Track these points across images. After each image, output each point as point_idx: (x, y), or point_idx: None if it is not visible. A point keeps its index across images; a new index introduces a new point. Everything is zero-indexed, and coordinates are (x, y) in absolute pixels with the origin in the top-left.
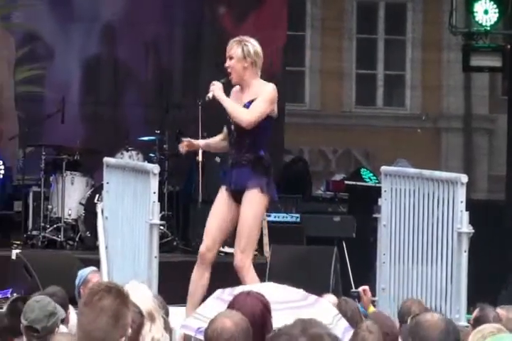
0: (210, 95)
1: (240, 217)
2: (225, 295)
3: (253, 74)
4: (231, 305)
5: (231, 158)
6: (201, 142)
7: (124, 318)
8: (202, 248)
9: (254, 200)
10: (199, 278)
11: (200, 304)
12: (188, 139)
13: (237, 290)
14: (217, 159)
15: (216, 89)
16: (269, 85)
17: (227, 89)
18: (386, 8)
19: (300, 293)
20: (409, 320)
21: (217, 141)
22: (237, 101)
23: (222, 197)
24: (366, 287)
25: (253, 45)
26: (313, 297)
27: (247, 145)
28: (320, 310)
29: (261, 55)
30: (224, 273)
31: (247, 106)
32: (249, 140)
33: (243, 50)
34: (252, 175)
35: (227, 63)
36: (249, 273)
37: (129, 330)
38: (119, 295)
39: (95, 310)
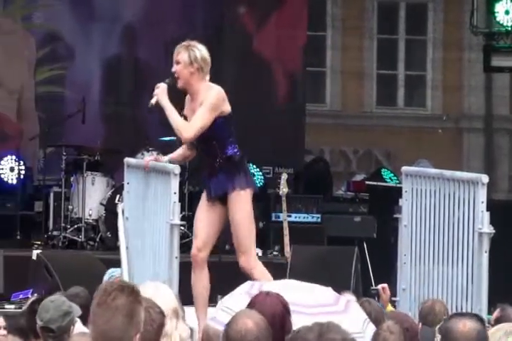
0: (153, 101)
1: (233, 222)
2: (253, 290)
3: (200, 79)
4: (250, 305)
5: (204, 168)
6: (165, 158)
7: (138, 315)
8: (193, 250)
9: (239, 201)
10: (198, 280)
11: (207, 304)
12: (155, 157)
13: (266, 285)
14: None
15: (160, 93)
16: (211, 91)
17: (173, 92)
18: (407, 8)
19: (331, 295)
20: (437, 328)
21: (180, 153)
22: (190, 111)
23: (204, 201)
24: (385, 285)
25: (200, 50)
26: (343, 300)
27: (215, 152)
28: (350, 318)
29: (208, 60)
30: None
31: None
32: (214, 145)
33: (189, 55)
34: (228, 178)
35: (174, 68)
36: (256, 270)
37: (142, 327)
38: (131, 293)
39: (110, 309)
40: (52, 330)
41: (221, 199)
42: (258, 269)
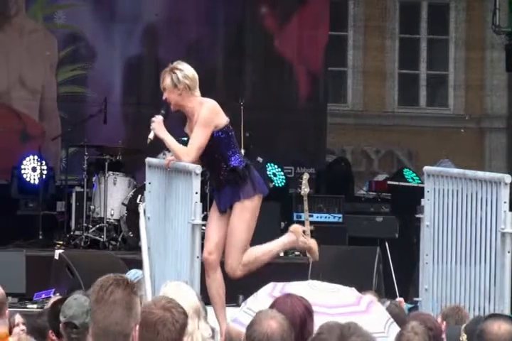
0: (150, 136)
1: (229, 227)
2: (276, 291)
3: (189, 96)
4: (271, 307)
5: (211, 181)
6: None
7: (136, 307)
8: (204, 253)
9: (242, 210)
10: (212, 282)
11: (224, 305)
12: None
13: (289, 286)
14: (260, 159)
15: (157, 126)
16: (202, 108)
17: (170, 118)
18: (429, 8)
19: (353, 295)
20: (463, 327)
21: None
22: (190, 130)
23: (214, 211)
24: (401, 299)
25: (181, 70)
26: (365, 300)
27: (219, 164)
28: (373, 318)
29: (193, 76)
30: (266, 273)
31: None
32: (217, 158)
33: (172, 78)
34: (234, 190)
35: (164, 95)
36: (239, 271)
37: (139, 318)
38: (127, 285)
39: (109, 304)
40: (75, 326)
41: (231, 208)
42: (242, 267)
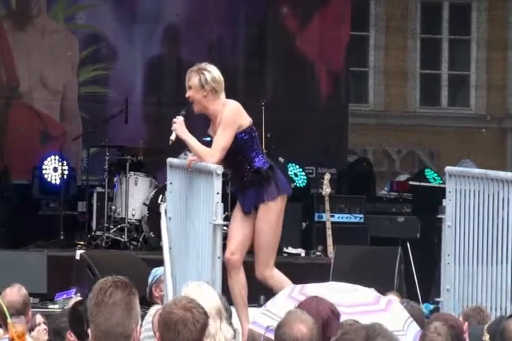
0: (172, 137)
1: (256, 231)
2: (295, 293)
3: (214, 100)
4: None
5: (235, 183)
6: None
7: (136, 307)
8: (226, 254)
9: (267, 212)
10: (234, 282)
11: (247, 306)
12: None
13: (308, 287)
14: (281, 159)
15: (178, 127)
16: (225, 109)
17: (192, 118)
18: (450, 8)
19: (372, 295)
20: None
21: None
22: (213, 132)
23: (238, 211)
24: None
25: (210, 71)
26: (384, 300)
27: (242, 166)
28: (392, 316)
29: (219, 79)
30: (287, 274)
31: None
32: (240, 160)
33: (200, 79)
34: (259, 191)
35: (187, 94)
36: (273, 280)
37: (139, 319)
38: (126, 286)
39: (109, 307)
40: None
41: (255, 209)
42: (276, 281)
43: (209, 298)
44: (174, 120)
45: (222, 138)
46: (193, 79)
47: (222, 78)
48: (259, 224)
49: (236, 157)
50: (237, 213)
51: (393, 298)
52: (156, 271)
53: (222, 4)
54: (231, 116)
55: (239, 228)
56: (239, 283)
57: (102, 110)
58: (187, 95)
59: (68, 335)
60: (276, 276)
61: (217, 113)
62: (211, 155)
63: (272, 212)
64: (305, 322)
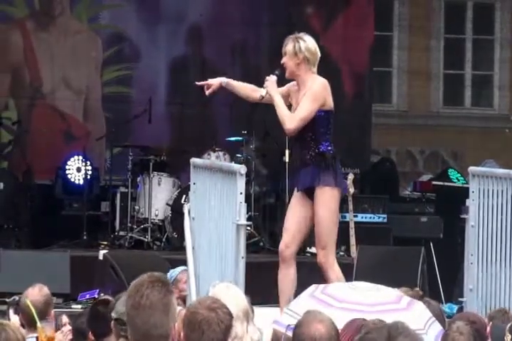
0: (263, 93)
1: (315, 217)
2: (317, 292)
3: (306, 70)
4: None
5: (295, 159)
6: (223, 80)
7: (173, 307)
8: (281, 245)
9: (325, 198)
10: (284, 276)
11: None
12: (206, 82)
13: (330, 287)
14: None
15: (270, 85)
16: (314, 82)
17: (283, 83)
18: (474, 8)
19: (394, 294)
20: (508, 327)
21: (246, 86)
22: (295, 101)
23: (296, 197)
24: None
25: (305, 41)
26: (406, 299)
27: (307, 143)
28: (413, 315)
29: (314, 51)
30: (310, 273)
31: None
32: (309, 137)
33: (294, 46)
34: (318, 173)
35: (282, 59)
36: (332, 268)
37: (177, 317)
38: (162, 286)
39: (146, 309)
40: (125, 323)
41: (310, 194)
42: (333, 271)
43: (237, 300)
44: (267, 78)
45: (305, 109)
46: (288, 45)
47: (318, 51)
48: (318, 210)
49: (307, 132)
50: (294, 203)
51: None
52: (173, 272)
53: (245, 4)
54: (319, 89)
55: (295, 218)
56: (288, 278)
57: (126, 110)
58: (282, 61)
59: (90, 335)
60: (335, 270)
61: (306, 83)
62: (291, 122)
63: (329, 198)
64: (323, 322)
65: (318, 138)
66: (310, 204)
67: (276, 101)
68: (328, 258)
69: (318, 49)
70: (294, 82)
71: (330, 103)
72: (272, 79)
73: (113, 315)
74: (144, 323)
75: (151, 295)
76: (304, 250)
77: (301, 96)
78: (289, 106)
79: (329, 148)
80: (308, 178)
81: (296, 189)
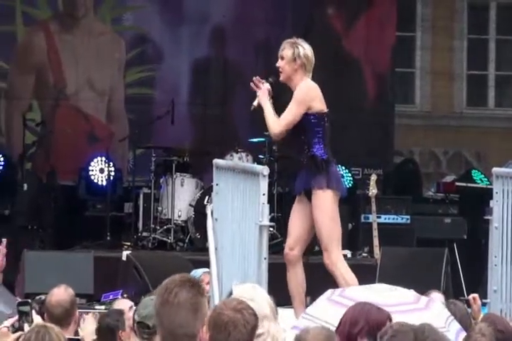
0: (255, 103)
1: (314, 220)
2: (335, 296)
3: (302, 76)
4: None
5: (294, 163)
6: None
7: (203, 308)
8: (285, 249)
9: (319, 201)
10: (292, 278)
11: (304, 302)
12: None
13: (348, 290)
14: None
15: (262, 94)
16: (300, 85)
17: (277, 89)
18: (497, 8)
19: (412, 294)
20: None
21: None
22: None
23: (297, 201)
24: (476, 295)
25: (304, 48)
26: (424, 299)
27: (302, 147)
28: (433, 314)
29: (311, 58)
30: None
31: None
32: (302, 141)
33: (294, 52)
34: (310, 176)
35: (278, 63)
36: (338, 269)
37: (206, 319)
38: (193, 286)
39: (174, 307)
40: (148, 326)
41: (309, 196)
42: (341, 270)
43: (263, 300)
44: (260, 85)
45: (289, 114)
46: (287, 50)
47: (313, 59)
48: (314, 213)
49: (299, 136)
50: (295, 207)
51: (436, 296)
52: (195, 273)
53: (268, 5)
54: (302, 93)
55: (297, 222)
56: (296, 278)
57: (149, 111)
58: (277, 64)
59: (120, 334)
60: (341, 268)
61: (296, 88)
62: (274, 127)
63: (322, 200)
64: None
65: (310, 142)
66: (309, 206)
67: (265, 109)
68: (332, 259)
69: (313, 56)
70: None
71: (318, 106)
72: (264, 88)
73: (135, 317)
74: (171, 321)
75: (180, 294)
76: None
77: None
78: None
79: (321, 151)
80: (303, 182)
81: (294, 193)
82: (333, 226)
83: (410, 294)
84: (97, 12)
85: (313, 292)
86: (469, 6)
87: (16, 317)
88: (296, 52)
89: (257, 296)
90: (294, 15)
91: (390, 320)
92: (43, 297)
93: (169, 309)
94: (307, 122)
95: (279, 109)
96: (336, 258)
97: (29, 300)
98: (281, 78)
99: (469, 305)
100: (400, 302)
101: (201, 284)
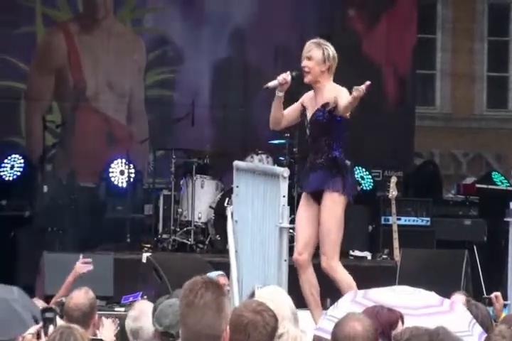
0: (270, 84)
1: (320, 221)
2: (358, 297)
3: (328, 78)
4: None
5: (308, 162)
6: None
7: (226, 308)
8: (294, 255)
9: (333, 203)
10: (304, 282)
11: (319, 304)
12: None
13: (371, 292)
14: (347, 162)
15: (282, 81)
16: (337, 87)
17: (295, 86)
18: None
19: (435, 297)
20: None
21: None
22: (311, 107)
23: (304, 201)
24: (498, 293)
25: (332, 49)
26: (447, 302)
27: (322, 148)
28: (456, 317)
29: (336, 60)
30: (353, 277)
31: (321, 110)
32: (325, 143)
33: (323, 53)
34: (327, 177)
35: (305, 63)
36: (336, 273)
37: (229, 319)
38: (216, 288)
39: (199, 308)
40: (172, 335)
41: (316, 197)
42: (341, 273)
43: (284, 302)
44: (283, 74)
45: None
46: (315, 51)
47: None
48: (324, 213)
49: (322, 136)
50: (303, 210)
51: (459, 297)
52: (210, 275)
53: (288, 6)
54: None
55: (305, 227)
56: (308, 282)
57: (169, 113)
58: (303, 64)
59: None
60: (340, 272)
61: (323, 90)
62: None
63: (336, 203)
64: (360, 321)
65: (332, 144)
66: (316, 208)
67: (276, 101)
68: (331, 264)
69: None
70: (307, 94)
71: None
72: (285, 77)
73: (157, 327)
74: (197, 322)
75: (206, 295)
76: (348, 253)
77: (318, 103)
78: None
79: (342, 154)
80: (319, 181)
81: (305, 192)
82: (339, 233)
83: (434, 296)
84: (117, 13)
85: (333, 294)
86: (490, 7)
87: (41, 324)
88: (326, 54)
89: (277, 297)
90: (315, 17)
91: (402, 319)
92: (64, 299)
93: (195, 310)
94: (336, 124)
95: (289, 104)
96: (336, 264)
97: (53, 306)
98: (308, 79)
99: (491, 304)
100: (424, 305)
101: (221, 284)
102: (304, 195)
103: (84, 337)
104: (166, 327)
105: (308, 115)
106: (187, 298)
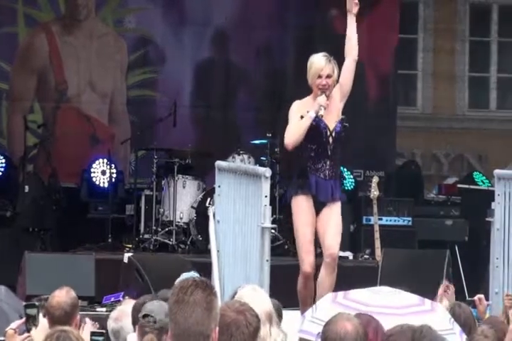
0: (322, 113)
1: (330, 223)
2: (339, 298)
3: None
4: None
5: (322, 170)
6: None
7: (216, 308)
8: (306, 268)
9: (338, 208)
10: (305, 288)
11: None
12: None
13: (352, 293)
14: None
15: (323, 103)
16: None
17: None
18: (499, 10)
19: (415, 296)
20: None
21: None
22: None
23: (309, 206)
24: (481, 296)
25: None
26: (428, 301)
27: (337, 160)
28: (439, 316)
29: None
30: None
31: (340, 124)
32: (340, 155)
33: (334, 69)
34: (337, 187)
35: (325, 81)
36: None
37: (218, 320)
38: (206, 287)
39: (189, 305)
40: (154, 320)
41: (315, 201)
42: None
43: (262, 302)
44: (319, 98)
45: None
46: (334, 68)
47: None
48: (334, 216)
49: (341, 148)
50: (305, 219)
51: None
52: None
53: (270, 7)
54: None
55: (312, 238)
56: (309, 289)
57: (151, 113)
58: (324, 82)
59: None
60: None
61: (330, 95)
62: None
63: (339, 208)
64: (351, 321)
65: (340, 150)
66: (314, 212)
67: (303, 120)
68: (336, 258)
69: None
70: (303, 103)
71: None
72: (324, 100)
73: (140, 314)
74: (186, 319)
75: (195, 292)
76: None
77: (331, 111)
78: None
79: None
80: (329, 191)
81: (311, 196)
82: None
83: (414, 296)
84: (99, 14)
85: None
86: (471, 8)
87: (23, 319)
88: (336, 71)
89: (256, 298)
90: (296, 17)
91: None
92: (44, 297)
93: (185, 307)
94: (348, 137)
95: None
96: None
97: (36, 303)
98: (327, 94)
99: (474, 306)
100: (406, 305)
101: (213, 286)
102: (305, 197)
103: (80, 339)
104: (148, 310)
105: (328, 124)
106: (177, 295)
